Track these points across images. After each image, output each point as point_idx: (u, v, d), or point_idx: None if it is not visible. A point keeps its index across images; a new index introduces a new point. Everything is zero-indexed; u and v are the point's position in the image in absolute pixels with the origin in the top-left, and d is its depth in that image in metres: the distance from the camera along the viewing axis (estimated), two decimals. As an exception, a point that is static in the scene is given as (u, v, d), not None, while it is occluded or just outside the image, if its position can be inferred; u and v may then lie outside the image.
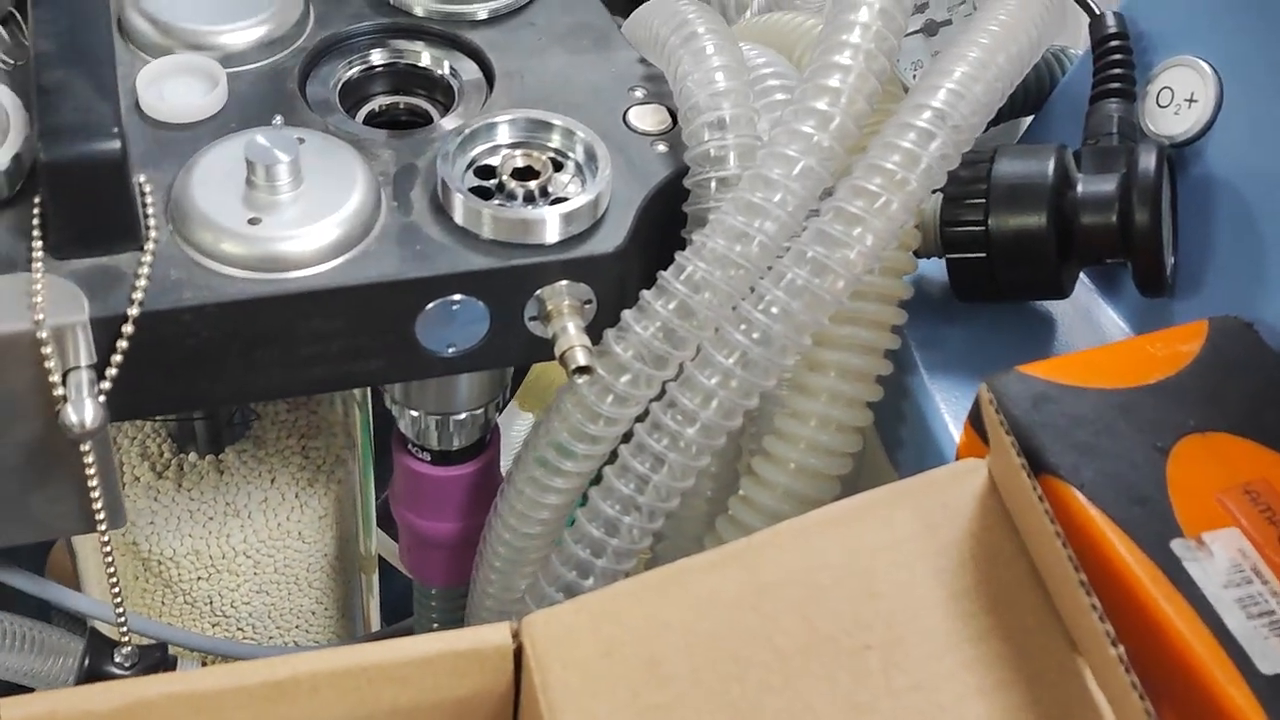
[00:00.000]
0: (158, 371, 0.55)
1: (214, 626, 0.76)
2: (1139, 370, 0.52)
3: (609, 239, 0.58)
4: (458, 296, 0.57)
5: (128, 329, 0.53)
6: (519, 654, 0.49)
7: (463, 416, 0.66)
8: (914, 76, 0.78)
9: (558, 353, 0.56)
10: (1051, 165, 0.60)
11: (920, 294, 0.61)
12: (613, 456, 0.59)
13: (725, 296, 0.56)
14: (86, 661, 0.64)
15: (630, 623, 0.48)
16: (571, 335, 0.56)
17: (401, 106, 0.66)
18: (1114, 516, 0.46)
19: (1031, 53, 0.61)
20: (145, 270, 0.54)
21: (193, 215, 0.55)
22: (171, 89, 0.61)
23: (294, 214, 0.56)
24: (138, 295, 0.53)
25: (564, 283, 0.58)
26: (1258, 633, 0.44)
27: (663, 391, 0.58)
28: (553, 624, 0.48)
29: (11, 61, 0.62)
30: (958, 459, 0.52)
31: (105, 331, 0.53)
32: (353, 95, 0.65)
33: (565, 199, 0.58)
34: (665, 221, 0.60)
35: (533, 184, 0.58)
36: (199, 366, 0.55)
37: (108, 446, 0.56)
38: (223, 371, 0.56)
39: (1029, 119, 0.74)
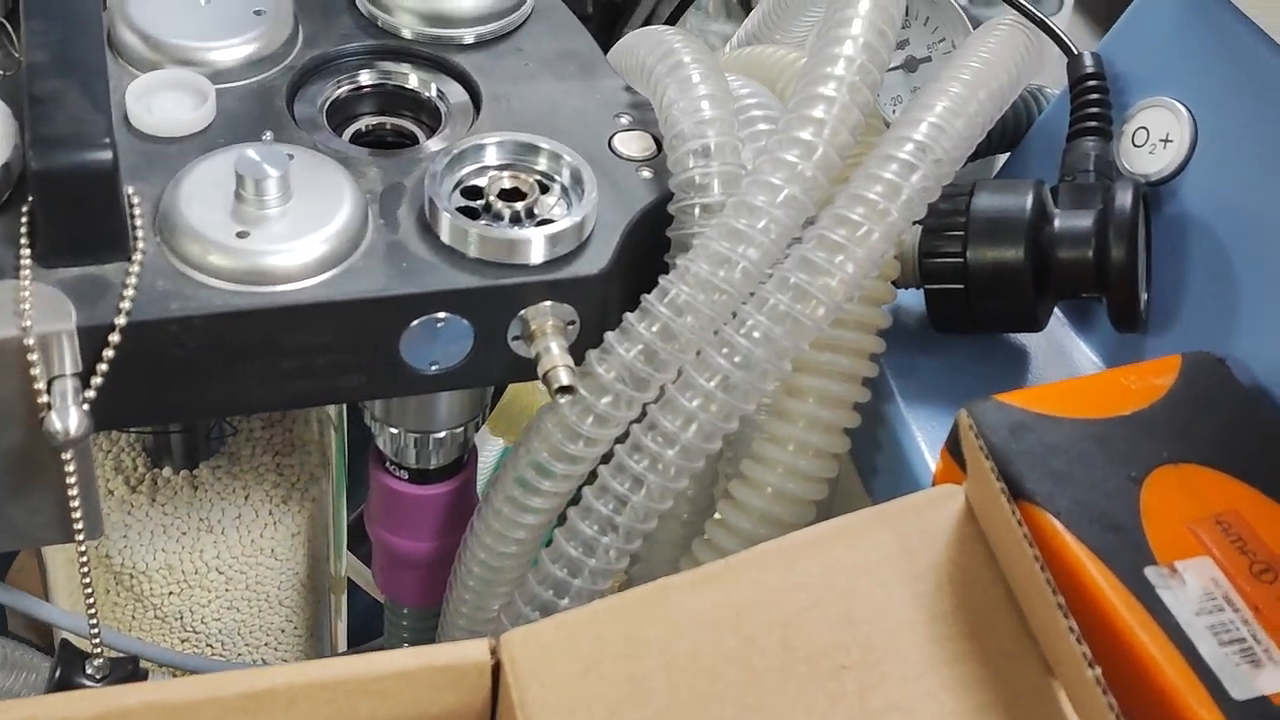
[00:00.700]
0: (142, 382, 0.55)
1: (183, 642, 0.76)
2: (1114, 402, 0.52)
3: (593, 261, 0.59)
4: (442, 314, 0.57)
5: (114, 338, 0.53)
6: (497, 670, 0.49)
7: (442, 435, 0.67)
8: (894, 111, 0.79)
9: (541, 372, 0.57)
10: (1030, 200, 0.61)
11: (897, 324, 0.62)
12: (592, 477, 0.60)
13: (707, 320, 0.57)
14: (58, 673, 0.63)
15: (609, 641, 0.48)
16: (555, 355, 0.57)
17: (388, 127, 0.66)
18: (1089, 543, 0.47)
19: (1011, 90, 0.63)
20: (133, 280, 0.54)
21: (181, 227, 0.55)
22: (160, 103, 0.62)
23: (282, 228, 0.56)
24: (125, 305, 0.53)
25: (548, 303, 0.58)
26: (1229, 659, 0.45)
27: (643, 413, 0.58)
28: (531, 641, 0.49)
29: (1, 71, 0.62)
30: (934, 486, 0.53)
31: (91, 340, 0.53)
32: (340, 114, 0.66)
33: (551, 220, 0.59)
34: (649, 246, 0.61)
35: (519, 205, 0.59)
36: (183, 378, 0.55)
37: (89, 456, 0.56)
38: (207, 383, 0.56)
39: (1005, 156, 0.75)
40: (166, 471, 0.73)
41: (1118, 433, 0.51)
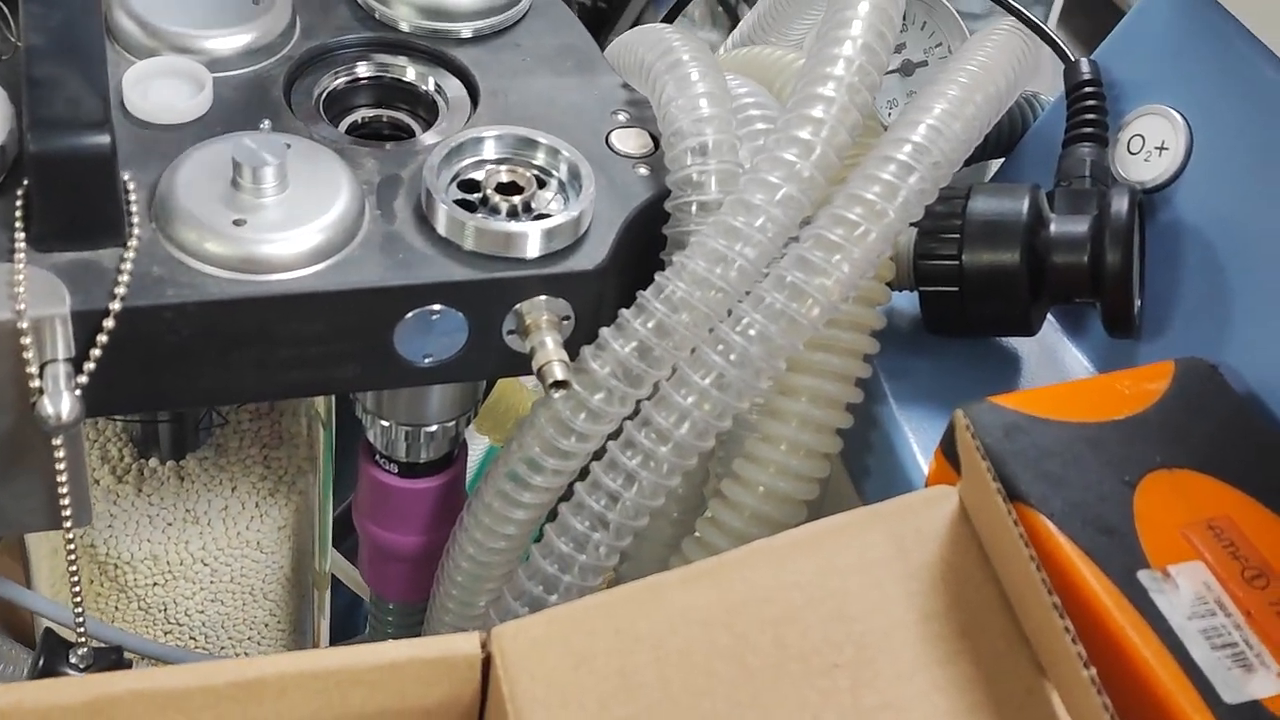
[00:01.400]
0: (135, 368, 0.55)
1: (166, 634, 0.75)
2: (1108, 406, 0.53)
3: (589, 257, 0.59)
4: (437, 307, 0.57)
5: (108, 323, 0.53)
6: (487, 664, 0.49)
7: (433, 429, 0.66)
8: (889, 115, 0.80)
9: (535, 366, 0.57)
10: (1026, 204, 0.61)
11: (890, 325, 0.62)
12: (584, 474, 0.60)
13: (703, 318, 0.56)
14: (41, 661, 0.63)
15: (601, 636, 0.48)
16: (550, 350, 0.57)
17: (385, 119, 0.66)
18: (1082, 545, 0.47)
19: (1008, 94, 0.63)
20: (128, 266, 0.54)
21: (177, 213, 0.55)
22: (157, 90, 0.61)
23: (278, 217, 0.56)
24: (120, 290, 0.53)
25: (543, 298, 0.58)
26: (1221, 663, 0.45)
27: (637, 410, 0.58)
28: (522, 635, 0.48)
29: (-3, 55, 0.61)
30: (927, 486, 0.53)
31: (85, 325, 0.53)
32: (336, 106, 0.65)
33: (548, 215, 0.59)
34: (644, 243, 0.61)
35: (516, 199, 0.59)
36: (176, 365, 0.55)
37: (80, 442, 0.55)
38: (200, 371, 0.56)
39: (998, 162, 0.75)
40: (153, 462, 0.73)
41: (1111, 436, 0.51)
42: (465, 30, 0.68)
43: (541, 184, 0.60)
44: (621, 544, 0.59)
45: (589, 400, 0.57)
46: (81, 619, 0.60)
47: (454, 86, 0.67)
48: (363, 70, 0.67)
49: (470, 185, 0.60)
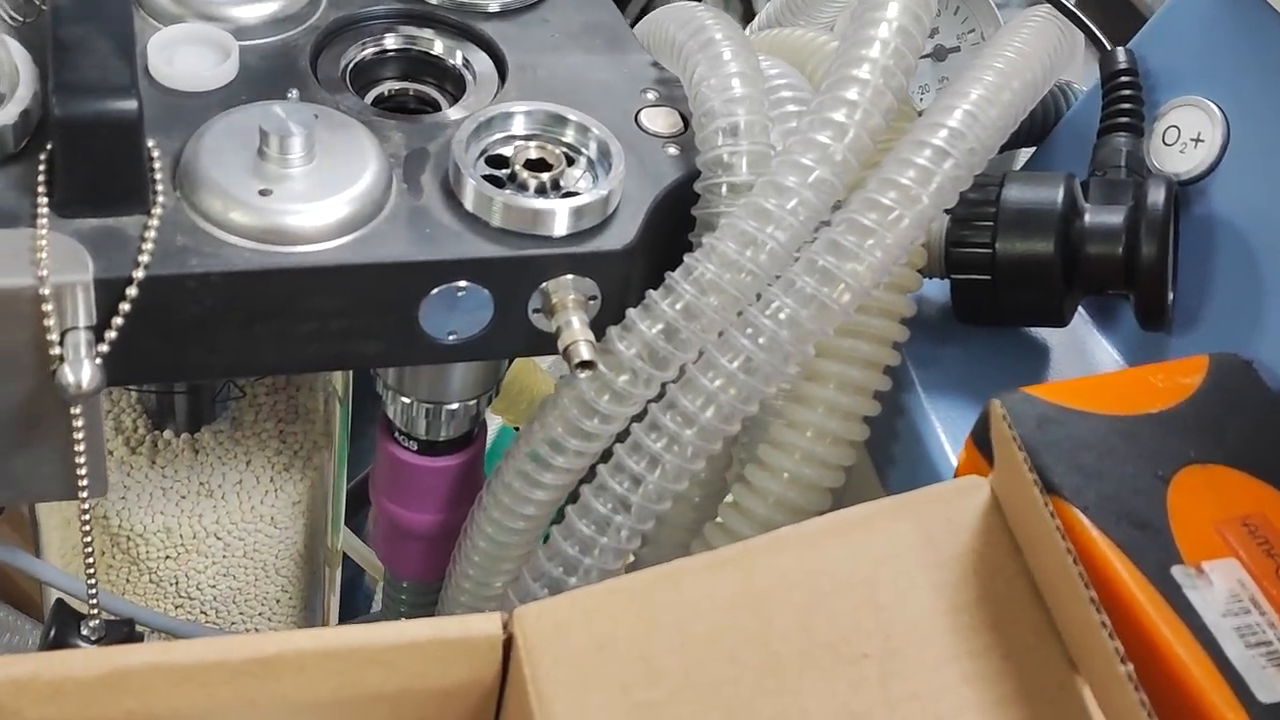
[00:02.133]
0: (156, 338, 0.54)
1: (177, 608, 0.75)
2: (1142, 399, 0.52)
3: (618, 236, 0.58)
4: (463, 283, 0.56)
5: (131, 291, 0.52)
6: (508, 645, 0.48)
7: (455, 407, 0.66)
8: (921, 100, 0.79)
9: (561, 346, 0.56)
10: (1061, 193, 0.60)
11: (918, 313, 0.62)
12: (606, 456, 0.59)
13: (731, 300, 0.56)
14: (53, 632, 0.62)
15: (624, 619, 0.47)
16: (576, 329, 0.56)
17: (411, 93, 0.65)
18: (1116, 539, 0.47)
19: (1044, 82, 0.62)
20: (151, 234, 0.53)
21: (203, 182, 0.54)
22: (182, 57, 0.61)
23: (305, 188, 0.55)
24: (143, 258, 0.52)
25: (570, 277, 0.57)
26: (1255, 662, 0.44)
27: (662, 393, 0.57)
28: (545, 617, 0.48)
29: (20, 18, 0.61)
30: (957, 476, 0.52)
31: (107, 293, 0.52)
32: (363, 78, 0.65)
33: (576, 193, 0.58)
34: (673, 224, 0.60)
35: (545, 176, 0.58)
36: (198, 335, 0.54)
37: (98, 412, 0.55)
38: (221, 342, 0.55)
39: (1028, 152, 0.75)
40: (168, 434, 0.72)
41: (1145, 430, 0.51)
42: (493, 4, 0.67)
43: (570, 162, 0.60)
44: (644, 527, 0.59)
45: (614, 381, 0.57)
46: (94, 591, 0.59)
47: (481, 61, 0.66)
48: (390, 42, 0.66)
49: (498, 161, 0.59)
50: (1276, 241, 0.60)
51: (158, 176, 0.55)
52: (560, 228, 0.57)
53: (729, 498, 0.62)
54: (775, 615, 0.47)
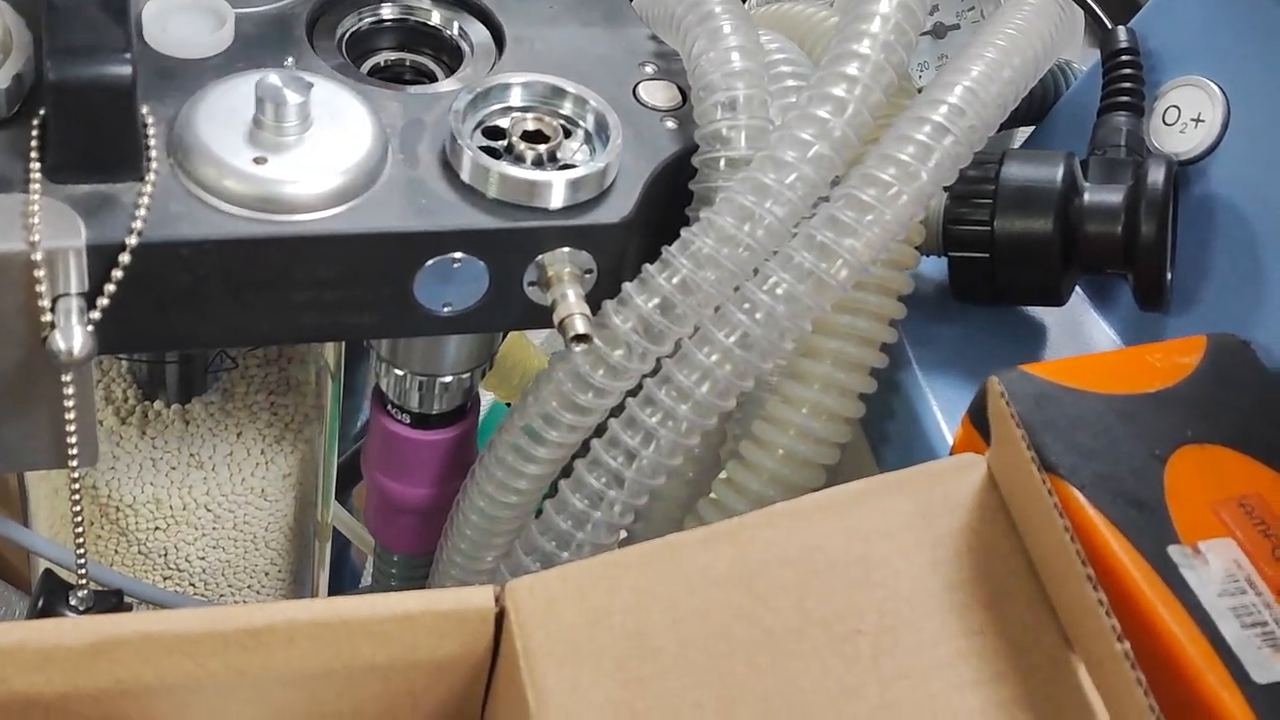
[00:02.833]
0: (148, 306, 0.53)
1: (166, 579, 0.75)
2: (1139, 379, 0.52)
3: (614, 210, 0.57)
4: (458, 255, 0.56)
5: (124, 258, 0.51)
6: (500, 618, 0.48)
7: (448, 379, 0.65)
8: (919, 77, 0.78)
9: (556, 319, 0.56)
10: (1061, 171, 0.60)
11: (916, 291, 0.61)
12: (600, 431, 0.59)
13: (728, 275, 0.55)
14: (41, 602, 0.62)
15: (617, 594, 0.47)
16: (571, 302, 0.56)
17: (407, 63, 0.65)
18: (1113, 518, 0.46)
19: (1044, 60, 0.62)
20: (145, 201, 0.52)
21: (197, 149, 0.54)
22: (177, 24, 0.60)
23: (300, 157, 0.54)
24: (137, 225, 0.52)
25: (566, 250, 0.57)
26: (1251, 642, 0.44)
27: (657, 367, 0.57)
28: (538, 590, 0.48)
29: (14, -18, 0.60)
30: (953, 454, 0.52)
31: (100, 260, 0.51)
32: (359, 47, 0.64)
33: (573, 166, 0.57)
34: (670, 198, 0.60)
35: (541, 148, 0.58)
36: (191, 304, 0.54)
37: (89, 380, 0.54)
38: (214, 311, 0.55)
39: (1027, 130, 0.74)
40: (158, 405, 0.72)
41: (1142, 410, 0.51)
42: (491, -25, 0.67)
43: (568, 134, 0.59)
44: (637, 503, 0.59)
45: (609, 355, 0.56)
46: (83, 560, 0.59)
47: (479, 32, 0.65)
48: (387, 12, 0.65)
49: (495, 132, 0.59)
50: (1276, 223, 0.60)
51: (152, 143, 0.55)
52: (556, 200, 0.56)
53: (723, 473, 0.61)
54: (769, 591, 0.47)
